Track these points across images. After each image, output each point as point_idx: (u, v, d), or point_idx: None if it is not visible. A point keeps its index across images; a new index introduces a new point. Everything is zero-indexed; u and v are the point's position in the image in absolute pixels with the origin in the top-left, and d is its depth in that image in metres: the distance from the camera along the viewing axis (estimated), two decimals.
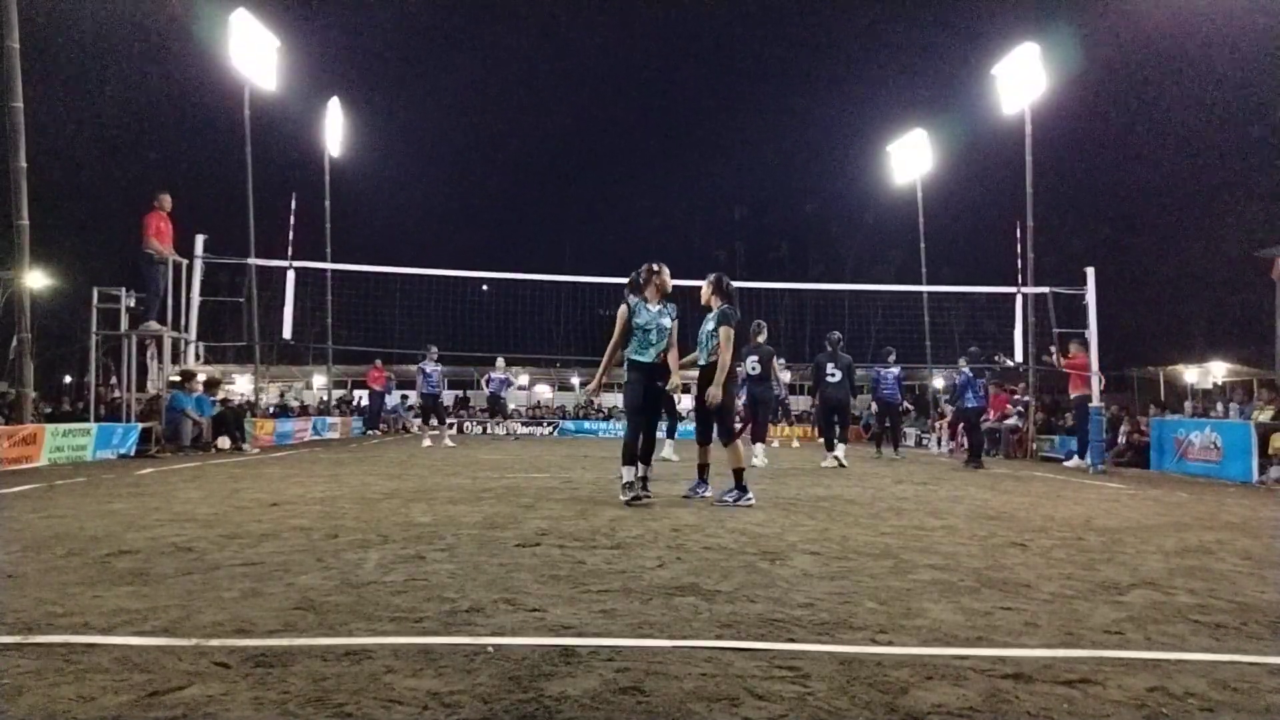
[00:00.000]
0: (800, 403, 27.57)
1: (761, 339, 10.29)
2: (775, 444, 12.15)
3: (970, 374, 11.95)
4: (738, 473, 6.00)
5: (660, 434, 11.21)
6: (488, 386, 18.37)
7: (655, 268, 6.20)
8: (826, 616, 2.68)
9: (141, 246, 11.47)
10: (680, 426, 11.56)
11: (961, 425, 13.79)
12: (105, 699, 1.83)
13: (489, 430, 24.57)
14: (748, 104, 70.54)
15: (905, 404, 15.93)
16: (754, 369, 10.27)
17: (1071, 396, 13.08)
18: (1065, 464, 12.70)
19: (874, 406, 15.01)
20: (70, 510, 5.03)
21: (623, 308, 6.15)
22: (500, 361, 18.33)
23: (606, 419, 28.58)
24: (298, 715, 1.77)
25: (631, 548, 3.93)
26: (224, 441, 12.13)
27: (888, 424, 14.53)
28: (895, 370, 14.26)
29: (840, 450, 10.81)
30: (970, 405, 11.87)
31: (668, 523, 4.83)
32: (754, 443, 11.18)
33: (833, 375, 11.01)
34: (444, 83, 65.10)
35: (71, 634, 2.31)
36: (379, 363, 20.55)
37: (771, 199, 61.40)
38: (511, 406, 27.08)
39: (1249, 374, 23.57)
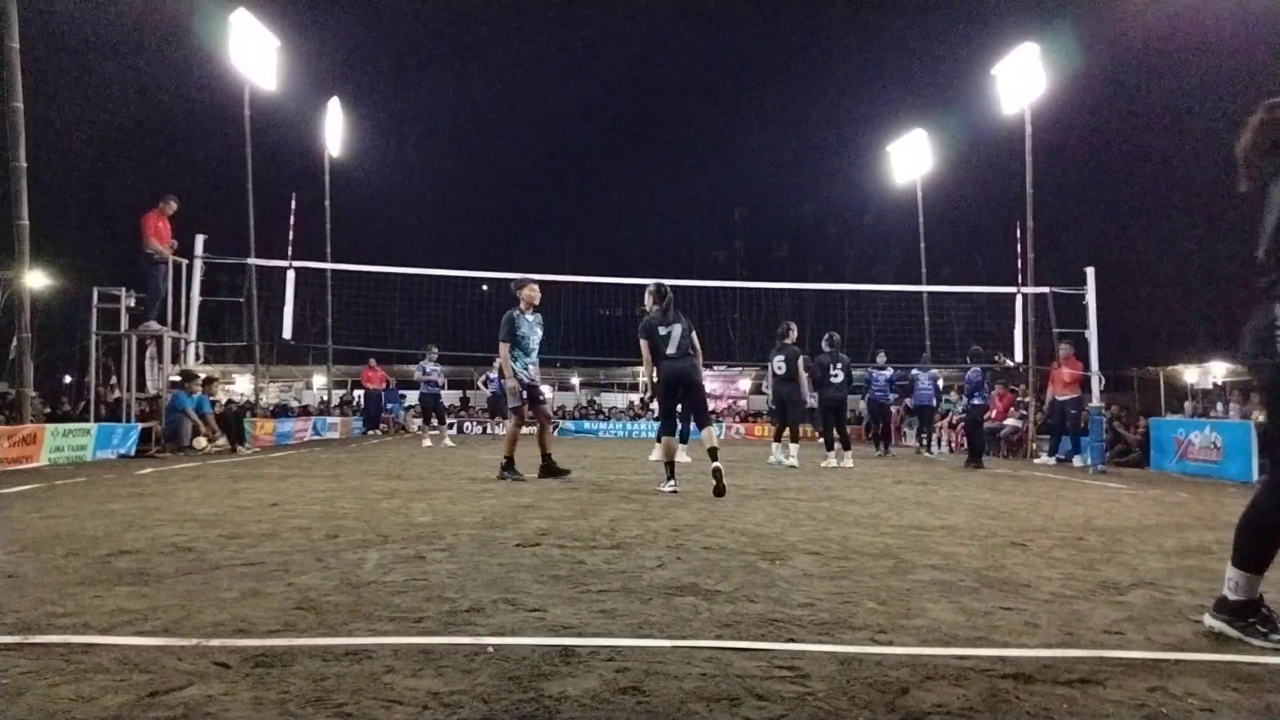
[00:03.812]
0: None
1: (789, 340, 10.40)
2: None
3: (981, 374, 12.02)
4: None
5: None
6: (487, 387, 18.34)
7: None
8: (826, 616, 2.68)
9: (142, 246, 11.48)
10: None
11: (962, 426, 13.94)
12: (105, 699, 1.83)
13: (489, 430, 24.56)
14: (748, 104, 70.77)
15: (893, 403, 16.45)
16: (780, 369, 10.34)
17: (1065, 399, 13.09)
18: (1052, 460, 12.84)
19: (864, 406, 15.55)
20: (70, 510, 5.03)
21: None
22: (499, 361, 18.26)
23: (607, 419, 28.60)
24: (298, 715, 1.77)
25: (631, 548, 3.93)
26: (212, 442, 11.99)
27: (882, 424, 15.13)
28: (887, 372, 14.81)
29: (848, 458, 10.82)
30: (975, 403, 11.94)
31: (668, 523, 4.82)
32: (775, 441, 11.23)
33: (835, 376, 11.04)
34: (444, 82, 65.21)
35: (71, 634, 2.31)
36: (372, 361, 20.50)
37: (771, 199, 61.48)
38: None
39: (1249, 374, 23.53)
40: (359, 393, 25.86)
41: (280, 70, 15.95)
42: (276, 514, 4.92)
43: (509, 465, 7.56)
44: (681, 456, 10.73)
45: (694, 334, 6.87)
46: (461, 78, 71.24)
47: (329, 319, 20.36)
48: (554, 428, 8.20)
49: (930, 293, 20.12)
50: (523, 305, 7.65)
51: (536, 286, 7.74)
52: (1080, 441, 12.86)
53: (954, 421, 16.90)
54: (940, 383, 16.29)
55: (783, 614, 2.69)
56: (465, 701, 1.85)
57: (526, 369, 7.63)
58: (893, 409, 16.59)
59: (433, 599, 2.79)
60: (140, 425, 11.08)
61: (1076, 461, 12.57)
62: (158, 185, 12.23)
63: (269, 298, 17.78)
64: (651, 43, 76.33)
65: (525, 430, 7.93)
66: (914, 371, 15.93)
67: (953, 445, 16.97)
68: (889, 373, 15.19)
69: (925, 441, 16.07)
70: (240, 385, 28.27)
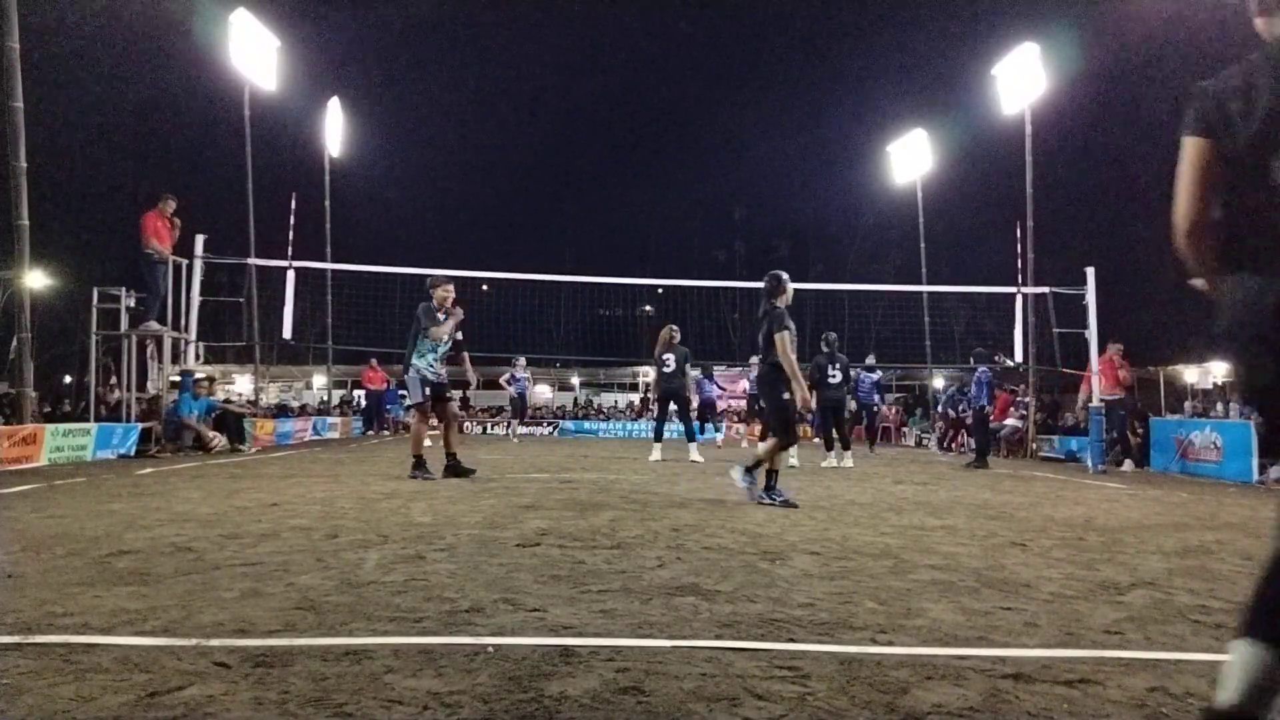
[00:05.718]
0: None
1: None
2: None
3: (988, 374, 12.01)
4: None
5: (673, 434, 11.34)
6: (511, 386, 18.30)
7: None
8: (826, 616, 2.68)
9: (141, 246, 11.48)
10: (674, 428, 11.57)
11: (964, 427, 13.98)
12: (105, 699, 1.83)
13: (488, 430, 24.57)
14: (748, 104, 70.43)
15: (879, 405, 17.53)
16: None
17: (1112, 398, 12.48)
18: (1130, 468, 12.21)
19: (853, 405, 15.95)
20: (70, 510, 5.03)
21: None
22: (521, 361, 18.27)
23: (606, 419, 28.60)
24: (298, 715, 1.77)
25: (631, 548, 3.93)
26: (220, 441, 12.02)
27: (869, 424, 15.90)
28: (875, 375, 15.41)
29: (848, 458, 10.80)
30: (984, 403, 11.97)
31: (668, 523, 4.83)
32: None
33: (833, 376, 11.04)
34: (444, 82, 65.06)
35: (71, 634, 2.31)
36: (374, 362, 20.49)
37: (771, 199, 61.37)
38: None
39: None
40: (359, 393, 25.89)
41: (280, 70, 15.94)
42: (276, 514, 4.92)
43: (419, 464, 7.47)
44: (696, 456, 10.73)
45: (773, 336, 6.11)
46: (462, 77, 71.32)
47: (329, 319, 20.35)
48: (459, 427, 8.15)
49: (930, 293, 20.13)
50: (435, 303, 7.61)
51: (451, 287, 7.76)
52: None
53: (963, 422, 16.92)
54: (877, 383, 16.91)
55: (783, 614, 2.69)
56: (465, 701, 1.85)
57: (432, 366, 7.57)
58: (886, 409, 17.07)
59: (433, 599, 2.79)
60: (140, 425, 11.07)
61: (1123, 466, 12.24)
62: (158, 185, 12.25)
63: (269, 298, 17.77)
64: (652, 43, 76.27)
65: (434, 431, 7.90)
66: (859, 372, 16.35)
67: (953, 445, 16.97)
68: (877, 375, 15.69)
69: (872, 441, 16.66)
70: (240, 385, 28.26)
